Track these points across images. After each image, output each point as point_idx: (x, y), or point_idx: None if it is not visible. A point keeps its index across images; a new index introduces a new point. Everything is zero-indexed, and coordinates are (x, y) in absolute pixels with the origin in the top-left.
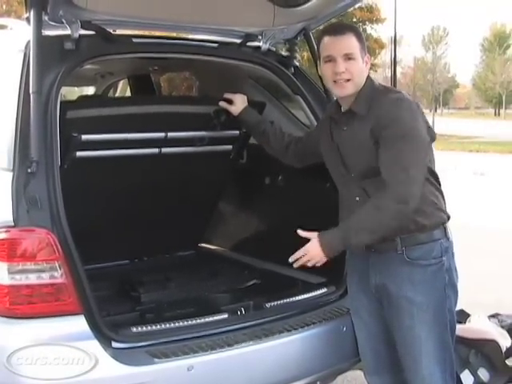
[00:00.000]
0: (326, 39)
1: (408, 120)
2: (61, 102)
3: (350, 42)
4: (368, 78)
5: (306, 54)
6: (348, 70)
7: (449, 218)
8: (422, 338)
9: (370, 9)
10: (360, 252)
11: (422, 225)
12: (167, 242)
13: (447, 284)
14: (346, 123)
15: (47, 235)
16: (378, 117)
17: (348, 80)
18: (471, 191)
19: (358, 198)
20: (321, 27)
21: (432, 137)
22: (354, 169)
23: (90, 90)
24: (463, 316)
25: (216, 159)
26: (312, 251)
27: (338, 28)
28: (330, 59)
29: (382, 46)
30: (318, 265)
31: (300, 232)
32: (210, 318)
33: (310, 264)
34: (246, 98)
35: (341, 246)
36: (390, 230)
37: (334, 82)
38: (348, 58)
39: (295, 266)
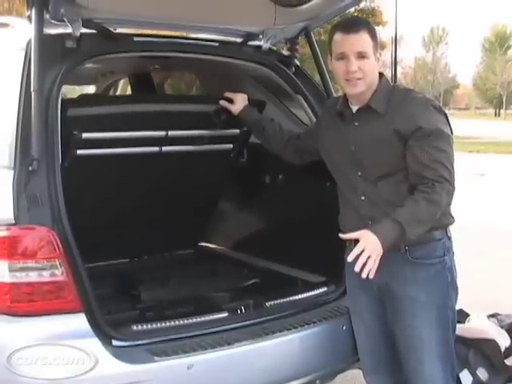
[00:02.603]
0: (339, 36)
1: (440, 119)
2: (62, 100)
3: (364, 40)
4: (382, 74)
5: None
6: (361, 68)
7: (454, 220)
8: (424, 337)
9: (373, 11)
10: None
11: (431, 227)
12: (167, 240)
13: (450, 283)
14: (357, 119)
15: (48, 233)
16: (408, 116)
17: (360, 78)
18: (471, 192)
19: (363, 198)
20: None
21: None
22: (367, 167)
23: (90, 89)
24: (462, 316)
25: (216, 158)
26: (371, 244)
27: (352, 24)
28: (343, 57)
29: (382, 47)
30: (377, 261)
31: (342, 235)
32: (210, 317)
33: (370, 262)
34: (246, 97)
35: (397, 237)
36: (434, 223)
37: (346, 80)
38: (361, 56)
39: (356, 268)
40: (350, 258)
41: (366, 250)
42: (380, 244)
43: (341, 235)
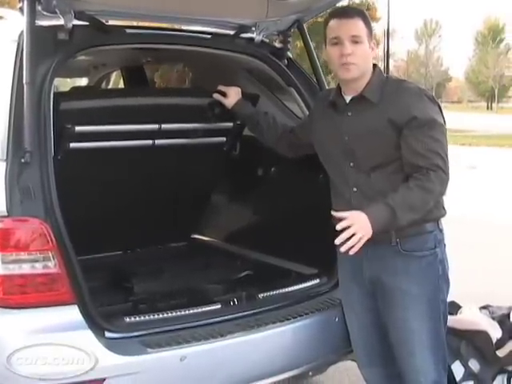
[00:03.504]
0: (334, 22)
1: (434, 109)
2: (54, 93)
3: (358, 25)
4: (375, 65)
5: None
6: (354, 52)
7: (446, 212)
8: (415, 329)
9: (368, 6)
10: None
11: (423, 219)
12: (160, 233)
13: (441, 275)
14: (351, 109)
15: (40, 225)
16: (402, 106)
17: (354, 63)
18: (463, 185)
19: (355, 189)
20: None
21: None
22: (360, 157)
23: (82, 82)
24: (454, 307)
25: (210, 151)
26: (360, 222)
27: (346, 11)
28: (337, 42)
29: (376, 41)
30: (362, 240)
31: (334, 213)
32: (203, 309)
33: (355, 238)
34: (239, 90)
35: (388, 222)
36: (426, 212)
37: (341, 64)
38: (355, 41)
39: (337, 241)
40: (338, 227)
41: (354, 226)
42: (370, 224)
43: (333, 213)
